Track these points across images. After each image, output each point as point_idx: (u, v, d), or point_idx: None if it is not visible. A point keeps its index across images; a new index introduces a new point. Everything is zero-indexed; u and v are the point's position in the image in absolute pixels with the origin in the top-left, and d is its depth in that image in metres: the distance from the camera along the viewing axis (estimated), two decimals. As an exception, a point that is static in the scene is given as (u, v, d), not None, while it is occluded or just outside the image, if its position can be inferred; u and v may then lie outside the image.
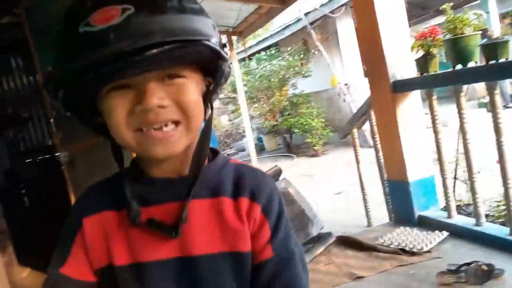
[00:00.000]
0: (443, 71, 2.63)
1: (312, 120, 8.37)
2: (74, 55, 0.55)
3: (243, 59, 10.60)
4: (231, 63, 0.72)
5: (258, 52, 10.93)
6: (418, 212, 2.78)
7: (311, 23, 8.71)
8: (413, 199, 2.77)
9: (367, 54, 2.98)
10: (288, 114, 9.13)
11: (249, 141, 6.66)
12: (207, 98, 0.66)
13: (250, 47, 11.61)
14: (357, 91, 8.25)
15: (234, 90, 9.17)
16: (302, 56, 9.31)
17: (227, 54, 0.64)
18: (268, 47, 10.67)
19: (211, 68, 0.65)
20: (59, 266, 0.67)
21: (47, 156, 5.19)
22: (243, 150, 9.74)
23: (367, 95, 3.17)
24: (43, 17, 2.84)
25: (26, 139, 5.62)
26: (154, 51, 0.53)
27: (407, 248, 2.39)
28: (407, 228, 2.67)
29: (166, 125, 0.60)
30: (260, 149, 9.76)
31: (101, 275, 0.68)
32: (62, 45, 0.58)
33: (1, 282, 2.25)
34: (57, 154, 3.37)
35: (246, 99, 7.35)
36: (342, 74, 8.65)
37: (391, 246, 2.46)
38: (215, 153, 0.72)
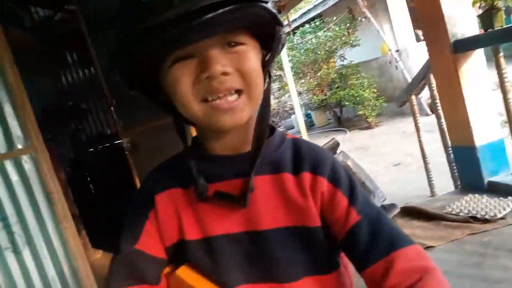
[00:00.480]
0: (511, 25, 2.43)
1: (363, 91, 8.08)
2: (139, 21, 0.55)
3: (287, 34, 10.42)
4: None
5: (302, 25, 10.68)
6: (487, 178, 2.64)
7: (356, -10, 8.36)
8: (481, 164, 2.63)
9: (423, 14, 2.80)
10: (337, 87, 8.88)
11: (299, 118, 6.59)
12: (266, 66, 0.66)
13: (294, 20, 11.39)
14: (409, 57, 7.89)
15: (279, 67, 9.07)
16: (348, 25, 8.95)
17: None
18: (312, 19, 10.39)
19: (268, 34, 0.64)
20: (134, 243, 0.68)
21: (107, 144, 5.46)
22: (292, 127, 9.67)
23: (421, 61, 3.00)
24: (96, 10, 2.92)
25: (87, 129, 5.93)
26: (216, 12, 0.53)
27: (478, 216, 2.27)
28: (476, 195, 2.54)
29: (230, 94, 0.61)
30: (310, 125, 9.64)
31: (172, 251, 0.70)
32: (125, 14, 0.58)
33: (84, 263, 2.41)
34: (118, 141, 3.51)
35: (292, 75, 7.23)
36: (392, 41, 8.27)
37: (460, 214, 2.36)
38: (272, 129, 0.72)
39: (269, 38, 0.65)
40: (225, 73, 0.60)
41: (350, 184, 0.68)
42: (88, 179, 5.00)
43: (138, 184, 2.98)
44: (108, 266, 0.69)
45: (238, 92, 0.62)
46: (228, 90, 0.61)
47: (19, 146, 2.37)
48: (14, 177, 2.36)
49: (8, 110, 2.38)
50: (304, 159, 0.69)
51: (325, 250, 0.68)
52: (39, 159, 2.38)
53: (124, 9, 0.59)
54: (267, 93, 0.67)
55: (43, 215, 2.37)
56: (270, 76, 0.68)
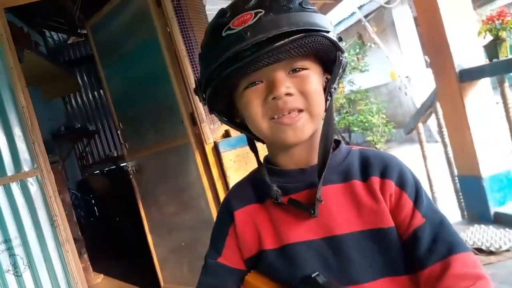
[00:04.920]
0: (516, 55, 2.43)
1: (372, 116, 8.03)
2: (219, 53, 0.66)
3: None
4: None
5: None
6: (493, 208, 2.60)
7: (365, 16, 8.45)
8: (487, 195, 2.59)
9: (430, 43, 2.82)
10: (346, 112, 8.86)
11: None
12: (327, 89, 0.73)
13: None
14: (419, 83, 7.88)
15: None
16: (358, 50, 9.03)
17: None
18: (322, 45, 10.47)
19: (330, 60, 0.72)
20: (217, 256, 0.78)
21: (113, 167, 5.49)
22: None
23: (430, 87, 3.01)
24: (106, 34, 2.99)
25: (94, 151, 5.98)
26: (283, 41, 0.63)
27: (483, 247, 2.24)
28: (482, 226, 2.50)
29: (293, 112, 0.69)
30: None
31: (252, 263, 0.76)
32: (209, 51, 0.69)
33: (83, 287, 2.39)
34: (124, 164, 3.53)
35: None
36: (401, 67, 8.29)
37: (466, 246, 2.31)
38: (337, 143, 0.79)
39: (331, 62, 0.72)
40: (288, 94, 0.68)
41: (416, 188, 0.72)
42: (93, 201, 5.00)
43: (142, 208, 2.98)
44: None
45: (300, 111, 0.69)
46: (292, 109, 0.68)
47: (26, 169, 2.40)
48: (19, 199, 2.38)
49: (18, 133, 2.42)
50: (372, 165, 0.74)
51: (401, 251, 0.70)
52: (44, 182, 2.40)
53: (208, 43, 0.70)
54: (329, 111, 0.74)
55: (45, 237, 2.38)
56: (332, 96, 0.74)
